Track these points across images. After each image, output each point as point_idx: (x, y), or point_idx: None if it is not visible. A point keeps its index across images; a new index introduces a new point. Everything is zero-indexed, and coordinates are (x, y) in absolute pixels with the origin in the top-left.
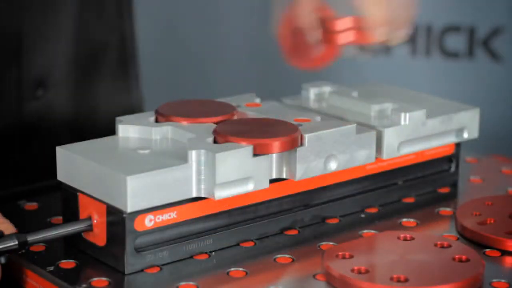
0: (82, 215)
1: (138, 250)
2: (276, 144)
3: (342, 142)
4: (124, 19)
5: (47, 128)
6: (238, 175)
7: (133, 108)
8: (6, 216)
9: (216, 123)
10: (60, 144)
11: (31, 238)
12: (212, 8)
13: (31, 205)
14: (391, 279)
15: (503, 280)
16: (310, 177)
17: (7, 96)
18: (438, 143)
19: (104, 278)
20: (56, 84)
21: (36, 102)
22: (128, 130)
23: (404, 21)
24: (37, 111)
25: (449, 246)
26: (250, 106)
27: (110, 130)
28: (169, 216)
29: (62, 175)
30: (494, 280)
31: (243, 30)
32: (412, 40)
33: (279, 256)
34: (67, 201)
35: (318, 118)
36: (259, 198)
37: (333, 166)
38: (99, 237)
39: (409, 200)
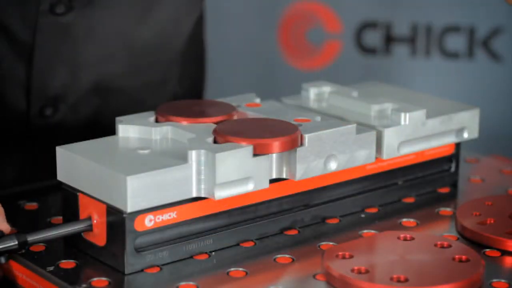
0: (82, 215)
1: (138, 250)
2: (276, 144)
3: (342, 142)
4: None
5: (55, 143)
6: (238, 175)
7: None
8: (6, 216)
9: (216, 123)
10: None
11: (31, 238)
12: (212, 8)
13: (31, 205)
14: (391, 279)
15: (503, 280)
16: (310, 177)
17: (15, 106)
18: (438, 143)
19: (104, 278)
20: (70, 106)
21: (43, 120)
22: (128, 130)
23: None
24: (44, 128)
25: (449, 246)
26: (250, 106)
27: None
28: (169, 216)
29: (62, 175)
30: (494, 280)
31: (243, 30)
32: (412, 40)
33: (279, 256)
34: (67, 201)
35: (318, 118)
36: (259, 198)
37: (333, 166)
38: (99, 237)
39: (409, 200)
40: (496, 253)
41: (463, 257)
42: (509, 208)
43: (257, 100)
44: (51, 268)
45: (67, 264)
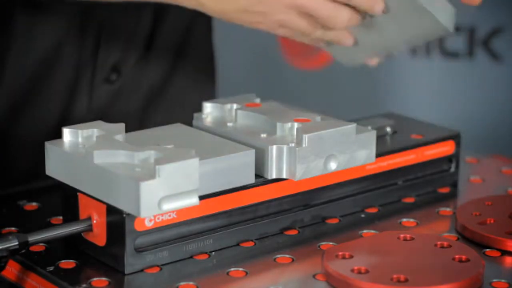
0: (82, 215)
1: (138, 250)
2: None
3: (342, 142)
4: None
5: (115, 114)
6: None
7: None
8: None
9: None
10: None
11: (31, 238)
12: None
13: (31, 205)
14: (391, 279)
15: (503, 280)
16: (310, 177)
17: (81, 80)
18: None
19: (104, 278)
20: (129, 70)
21: (108, 86)
22: None
23: None
24: (108, 96)
25: (449, 246)
26: (250, 106)
27: (182, 121)
28: (169, 216)
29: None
30: (494, 280)
31: (243, 30)
32: None
33: (279, 256)
34: (67, 201)
35: (318, 118)
36: (259, 198)
37: (333, 166)
38: (99, 237)
39: (409, 200)
40: (496, 253)
41: (463, 257)
42: (509, 208)
43: (257, 100)
44: (51, 268)
45: (67, 264)
